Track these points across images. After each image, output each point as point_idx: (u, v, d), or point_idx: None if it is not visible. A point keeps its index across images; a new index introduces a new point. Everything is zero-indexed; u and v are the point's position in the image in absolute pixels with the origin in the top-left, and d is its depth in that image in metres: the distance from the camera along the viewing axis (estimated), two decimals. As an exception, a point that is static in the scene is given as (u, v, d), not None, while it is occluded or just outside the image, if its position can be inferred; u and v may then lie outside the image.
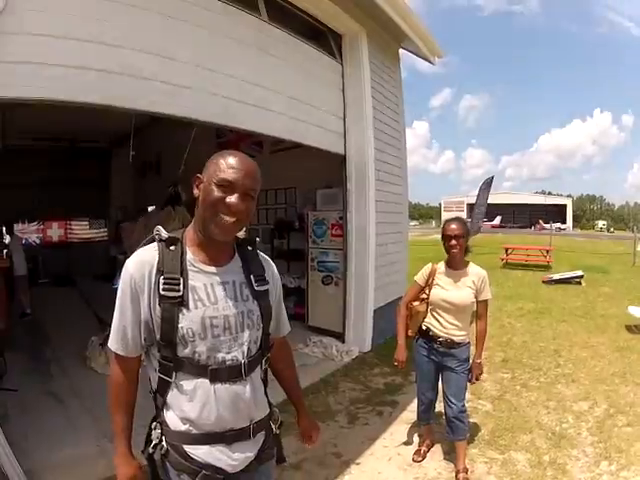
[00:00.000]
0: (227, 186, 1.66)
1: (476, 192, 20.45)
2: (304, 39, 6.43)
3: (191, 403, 1.72)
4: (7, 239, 10.43)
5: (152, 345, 1.76)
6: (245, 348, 1.78)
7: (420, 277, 3.97)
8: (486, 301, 3.80)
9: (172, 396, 1.76)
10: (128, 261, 1.74)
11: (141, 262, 1.71)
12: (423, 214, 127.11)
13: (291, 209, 10.05)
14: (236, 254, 1.88)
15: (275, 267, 2.08)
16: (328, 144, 6.95)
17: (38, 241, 15.24)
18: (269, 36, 5.76)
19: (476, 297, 3.75)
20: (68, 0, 3.78)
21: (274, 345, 2.04)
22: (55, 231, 15.56)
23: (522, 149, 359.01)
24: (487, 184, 20.14)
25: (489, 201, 20.19)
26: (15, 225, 13.66)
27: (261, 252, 2.02)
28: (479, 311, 3.85)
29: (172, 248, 1.73)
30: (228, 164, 1.68)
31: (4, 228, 11.49)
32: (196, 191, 1.76)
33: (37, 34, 3.57)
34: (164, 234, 1.76)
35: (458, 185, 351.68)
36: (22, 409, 4.91)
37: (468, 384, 3.91)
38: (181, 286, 1.67)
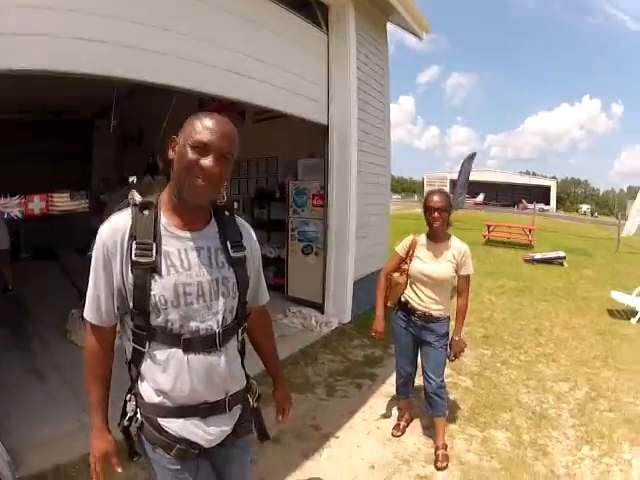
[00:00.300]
0: (202, 148, 1.59)
1: (458, 168, 20.50)
2: (290, 8, 6.28)
3: (164, 374, 1.68)
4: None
5: (126, 314, 1.71)
6: (220, 317, 1.73)
7: (400, 248, 3.91)
8: (467, 276, 3.73)
9: (146, 367, 1.71)
10: (101, 228, 1.67)
11: (113, 228, 1.65)
12: (406, 188, 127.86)
13: (272, 179, 9.99)
14: (212, 219, 1.81)
15: (254, 233, 2.01)
16: (311, 113, 6.88)
17: (20, 215, 15.11)
18: (254, 4, 5.64)
19: (456, 271, 3.68)
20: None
21: (252, 315, 2.00)
22: (37, 204, 15.38)
23: (508, 129, 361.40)
24: (469, 159, 20.14)
25: (473, 178, 20.21)
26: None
27: (239, 218, 1.96)
28: (459, 286, 3.77)
29: (145, 212, 1.67)
30: (204, 125, 1.61)
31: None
32: (171, 153, 1.69)
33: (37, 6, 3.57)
34: (137, 198, 1.71)
35: (442, 161, 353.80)
36: (2, 386, 4.78)
37: (447, 360, 3.86)
38: (154, 251, 1.62)
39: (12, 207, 14.82)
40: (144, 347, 1.67)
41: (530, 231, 18.51)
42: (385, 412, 4.58)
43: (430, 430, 4.11)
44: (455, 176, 22.45)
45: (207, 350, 1.69)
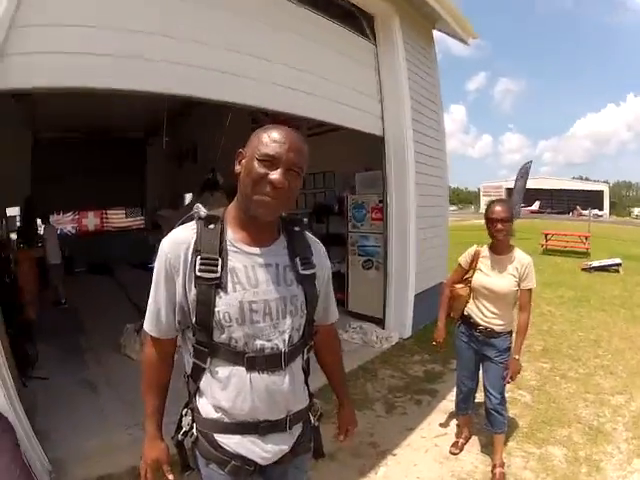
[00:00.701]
0: (270, 161, 1.53)
1: (514, 177, 20.25)
2: (336, 20, 6.28)
3: (225, 391, 1.64)
4: (42, 229, 10.66)
5: (187, 328, 1.69)
6: (286, 336, 1.67)
7: (463, 259, 3.80)
8: (530, 290, 3.55)
9: (205, 382, 1.68)
10: (164, 240, 1.65)
11: (177, 241, 1.63)
12: (462, 199, 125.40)
13: (330, 193, 9.92)
14: (281, 235, 1.76)
15: (324, 250, 1.93)
16: (365, 126, 6.81)
17: (74, 231, 15.46)
18: (305, 20, 5.71)
19: (518, 285, 3.52)
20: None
21: (321, 333, 1.97)
22: (91, 220, 15.77)
23: (559, 134, 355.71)
24: (526, 169, 19.86)
25: (528, 186, 19.88)
26: (50, 216, 13.92)
27: (309, 234, 1.88)
28: (521, 300, 3.59)
29: (211, 227, 1.63)
30: (272, 138, 1.55)
31: (40, 219, 11.56)
32: (238, 167, 1.65)
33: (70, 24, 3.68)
34: (203, 212, 1.66)
35: (496, 169, 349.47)
36: (53, 398, 4.88)
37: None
38: (219, 267, 1.57)
39: (65, 223, 15.21)
40: (205, 363, 1.65)
41: (586, 239, 17.87)
42: (444, 429, 4.49)
43: (488, 448, 4.00)
44: (510, 185, 22.20)
45: (271, 369, 1.64)
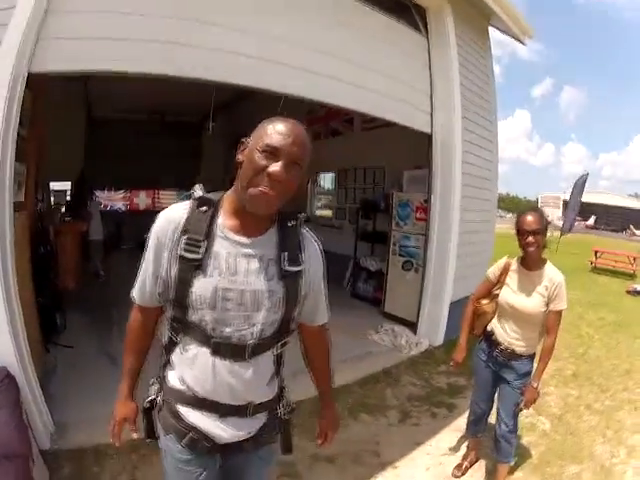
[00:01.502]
0: (272, 152, 1.52)
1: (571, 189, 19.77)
2: (389, 13, 6.11)
3: (190, 369, 1.70)
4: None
5: (167, 302, 1.73)
6: (256, 329, 1.67)
7: (491, 272, 3.51)
8: (559, 312, 3.22)
9: (175, 356, 1.75)
10: (159, 215, 1.70)
11: (168, 218, 1.66)
12: (520, 207, 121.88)
13: (379, 189, 9.75)
14: (273, 228, 1.74)
15: (319, 250, 1.90)
16: (414, 122, 6.57)
17: (124, 208, 15.75)
18: (360, 14, 5.64)
19: (547, 305, 3.20)
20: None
21: (307, 334, 2.02)
22: (142, 199, 16.05)
23: (620, 147, 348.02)
24: (582, 182, 19.34)
25: (585, 200, 19.36)
26: (101, 192, 14.25)
27: (308, 231, 1.87)
28: (548, 322, 3.25)
29: (203, 209, 1.65)
30: (276, 129, 1.54)
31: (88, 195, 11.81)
32: (240, 157, 1.64)
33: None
34: (197, 193, 1.69)
35: (557, 180, 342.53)
36: (73, 365, 5.11)
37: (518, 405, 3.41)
38: (202, 249, 1.60)
39: (116, 200, 15.55)
40: (177, 338, 1.72)
41: (634, 260, 16.91)
42: (452, 448, 4.27)
43: (493, 475, 3.77)
44: (568, 197, 21.62)
45: (234, 358, 1.66)
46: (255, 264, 1.65)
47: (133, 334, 1.90)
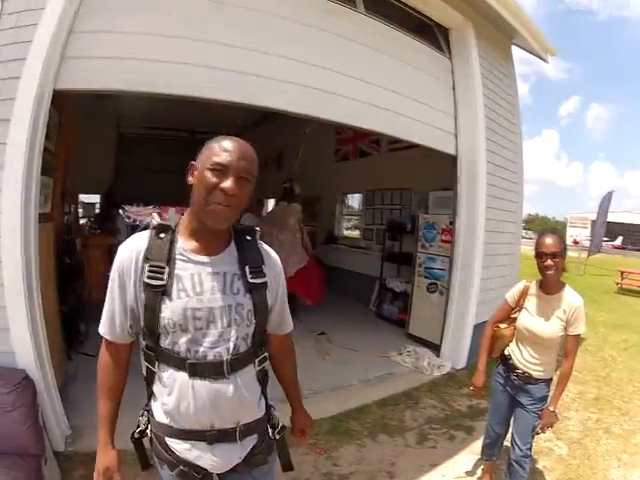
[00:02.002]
0: (221, 170, 1.59)
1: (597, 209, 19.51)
2: (411, 33, 6.19)
3: (170, 397, 1.70)
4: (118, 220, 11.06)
5: (139, 333, 1.75)
6: (231, 344, 1.70)
7: (510, 296, 3.47)
8: (576, 336, 3.18)
9: (156, 387, 1.76)
10: (120, 247, 1.73)
11: (130, 248, 1.70)
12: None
13: (405, 211, 9.77)
14: (232, 243, 1.80)
15: (279, 261, 1.96)
16: (439, 143, 6.60)
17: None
18: (384, 34, 5.72)
19: (565, 330, 3.16)
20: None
21: (273, 343, 2.02)
22: (172, 215, 16.14)
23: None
24: (607, 200, 19.08)
25: (611, 219, 19.12)
26: (129, 207, 14.41)
27: (263, 243, 1.91)
28: (566, 347, 3.23)
29: (162, 235, 1.70)
30: (222, 147, 1.62)
31: (117, 209, 11.99)
32: (190, 179, 1.70)
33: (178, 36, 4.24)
34: (155, 221, 1.76)
35: (585, 200, 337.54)
36: (93, 373, 4.94)
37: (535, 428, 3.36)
38: (165, 275, 1.64)
39: (146, 215, 15.70)
40: (154, 367, 1.73)
41: None
42: (468, 471, 4.20)
43: None
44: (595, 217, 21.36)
45: (214, 377, 1.67)
46: (220, 281, 1.69)
47: (105, 373, 1.87)
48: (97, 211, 12.70)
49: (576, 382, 6.20)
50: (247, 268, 1.74)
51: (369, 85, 5.47)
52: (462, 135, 6.79)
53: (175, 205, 16.03)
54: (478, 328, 6.61)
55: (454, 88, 6.84)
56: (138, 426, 1.86)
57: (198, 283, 1.66)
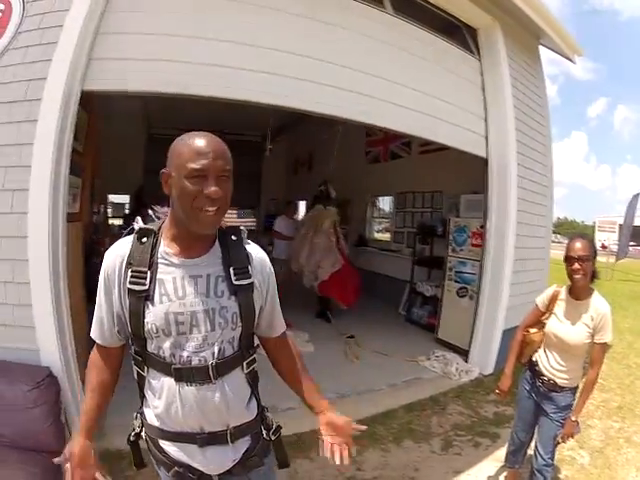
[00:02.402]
0: (200, 176, 1.54)
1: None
2: (441, 34, 6.16)
3: (159, 400, 1.70)
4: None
5: (127, 338, 1.75)
6: (216, 349, 1.67)
7: (540, 301, 3.42)
8: (603, 345, 3.12)
9: (147, 390, 1.76)
10: (106, 253, 1.71)
11: (113, 254, 1.69)
12: (579, 232, 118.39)
13: (437, 214, 9.67)
14: (216, 244, 1.75)
15: (266, 259, 1.89)
16: (470, 146, 6.53)
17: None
18: (407, 34, 5.68)
19: (592, 337, 3.09)
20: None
21: (270, 346, 1.98)
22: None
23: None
24: (633, 203, 18.74)
25: (639, 223, 18.85)
26: (158, 207, 14.56)
27: (250, 241, 1.85)
28: (592, 355, 3.16)
29: (144, 240, 1.67)
30: (194, 150, 1.55)
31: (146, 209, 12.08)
32: (166, 189, 1.65)
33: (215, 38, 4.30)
34: (137, 226, 1.71)
35: (614, 203, 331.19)
36: (122, 374, 4.99)
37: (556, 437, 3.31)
38: (147, 280, 1.62)
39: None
40: (143, 371, 1.72)
41: None
42: (491, 478, 4.16)
43: None
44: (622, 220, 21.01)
45: (199, 382, 1.65)
46: (203, 283, 1.66)
47: (95, 372, 1.84)
48: (126, 211, 12.83)
49: (601, 390, 6.09)
50: (232, 269, 1.69)
51: (398, 86, 5.45)
52: (492, 137, 6.71)
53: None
54: (507, 333, 6.57)
55: (484, 89, 6.77)
56: (133, 429, 1.87)
57: (180, 287, 1.64)
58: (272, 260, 1.96)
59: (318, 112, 4.87)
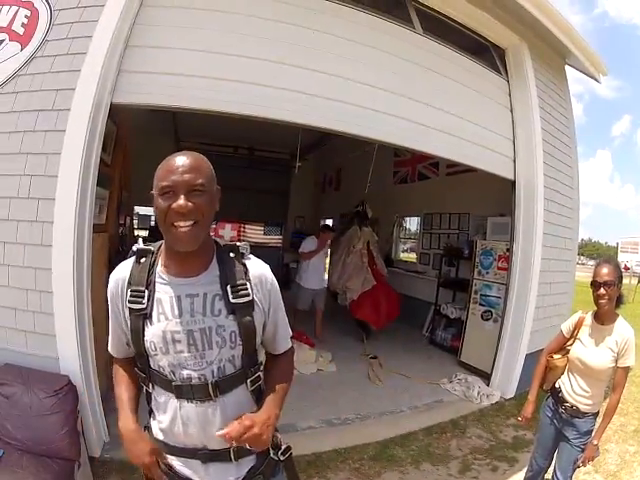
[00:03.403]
0: (168, 192, 1.56)
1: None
2: (469, 55, 6.19)
3: (164, 416, 1.73)
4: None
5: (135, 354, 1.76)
6: (214, 367, 1.67)
7: (565, 327, 3.39)
8: (626, 369, 3.09)
9: (153, 405, 1.80)
10: (111, 274, 1.77)
11: (117, 275, 1.75)
12: (602, 254, 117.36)
13: (463, 235, 9.60)
14: (213, 262, 1.74)
15: (267, 274, 1.83)
16: (497, 168, 6.50)
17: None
18: (435, 53, 5.72)
19: (616, 362, 3.06)
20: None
21: (271, 362, 1.94)
22: (228, 231, 16.28)
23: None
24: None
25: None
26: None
27: (251, 256, 1.83)
28: (616, 379, 3.14)
29: (142, 260, 1.73)
30: (165, 169, 1.60)
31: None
32: (154, 209, 1.65)
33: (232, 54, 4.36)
34: (135, 247, 1.76)
35: (637, 224, 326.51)
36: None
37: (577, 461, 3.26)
38: (145, 299, 1.65)
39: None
40: (149, 387, 1.76)
41: None
42: None
43: None
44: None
45: (200, 399, 1.66)
46: (199, 302, 1.66)
47: (119, 375, 1.89)
48: (152, 223, 12.96)
49: (619, 413, 5.92)
50: (228, 287, 1.68)
51: (426, 106, 5.47)
52: (520, 159, 6.65)
53: (232, 221, 16.19)
54: (530, 357, 6.50)
55: (511, 110, 6.75)
56: None
57: (177, 306, 1.65)
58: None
59: (349, 133, 4.94)
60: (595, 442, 3.16)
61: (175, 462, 1.74)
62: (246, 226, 16.46)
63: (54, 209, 3.67)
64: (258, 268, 1.81)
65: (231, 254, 1.77)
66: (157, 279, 1.68)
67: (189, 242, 1.59)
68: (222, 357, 1.67)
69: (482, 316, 7.58)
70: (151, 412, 1.83)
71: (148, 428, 1.84)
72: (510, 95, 6.75)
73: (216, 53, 4.25)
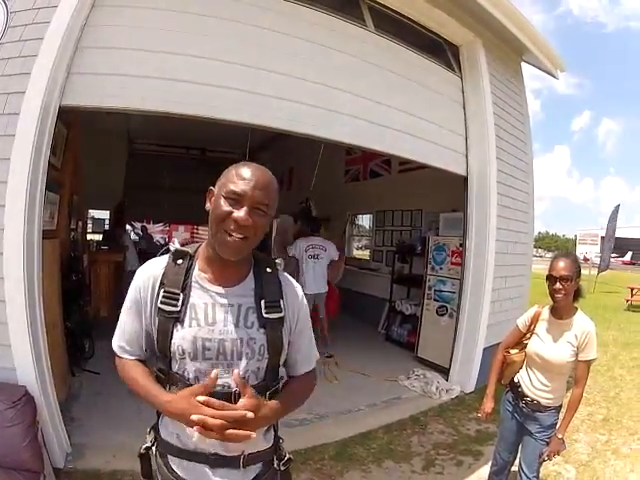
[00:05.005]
0: (235, 199, 1.54)
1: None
2: (421, 51, 6.19)
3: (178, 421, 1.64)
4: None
5: (152, 355, 1.74)
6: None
7: (521, 321, 3.39)
8: (588, 362, 3.09)
9: None
10: (139, 269, 1.74)
11: (148, 273, 1.70)
12: (559, 246, 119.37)
13: (416, 232, 9.68)
14: (250, 275, 1.74)
15: (300, 293, 1.86)
16: (449, 164, 6.54)
17: (162, 241, 15.94)
18: (382, 49, 5.68)
19: (576, 355, 3.07)
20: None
21: (292, 379, 1.89)
22: (180, 234, 16.15)
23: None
24: (614, 215, 18.95)
25: (621, 235, 19.07)
26: (137, 223, 14.47)
27: (286, 276, 1.83)
28: (577, 373, 3.14)
29: (179, 262, 1.69)
30: (239, 175, 1.58)
31: (126, 227, 12.05)
32: (208, 205, 1.66)
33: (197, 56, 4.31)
34: (173, 247, 1.73)
35: (596, 216, 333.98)
36: (98, 392, 5.24)
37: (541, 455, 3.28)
38: (179, 302, 1.62)
39: (155, 233, 15.75)
40: (166, 388, 1.67)
41: None
42: None
43: None
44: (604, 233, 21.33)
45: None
46: (233, 313, 1.65)
47: (128, 368, 1.76)
48: (106, 227, 12.75)
49: (586, 403, 6.09)
50: (263, 302, 1.69)
51: (378, 104, 5.45)
52: (472, 155, 6.72)
53: (185, 223, 16.05)
54: (488, 351, 6.51)
55: (464, 107, 6.80)
56: (145, 443, 1.83)
57: (211, 314, 1.63)
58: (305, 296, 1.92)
59: (300, 132, 4.89)
60: (560, 436, 3.16)
61: (181, 467, 1.70)
62: (199, 227, 16.39)
63: (3, 216, 3.55)
64: (292, 287, 1.83)
65: (268, 269, 1.77)
66: (193, 284, 1.66)
67: (233, 253, 1.59)
68: (248, 368, 1.66)
69: (437, 311, 7.63)
70: (160, 415, 1.80)
71: (155, 430, 1.82)
72: (463, 91, 6.80)
73: (168, 53, 4.16)
